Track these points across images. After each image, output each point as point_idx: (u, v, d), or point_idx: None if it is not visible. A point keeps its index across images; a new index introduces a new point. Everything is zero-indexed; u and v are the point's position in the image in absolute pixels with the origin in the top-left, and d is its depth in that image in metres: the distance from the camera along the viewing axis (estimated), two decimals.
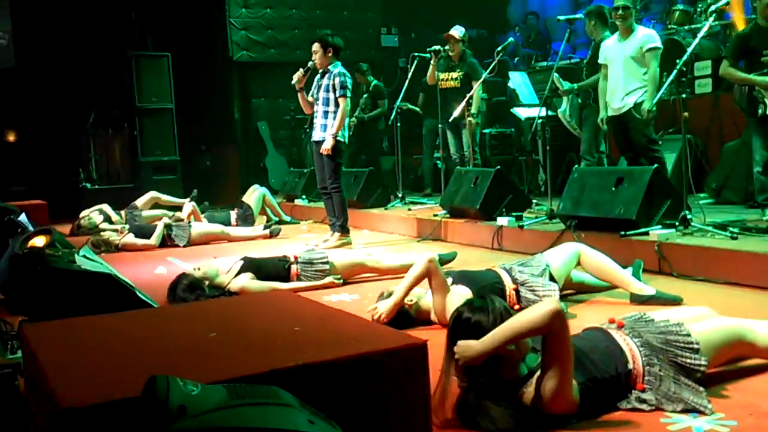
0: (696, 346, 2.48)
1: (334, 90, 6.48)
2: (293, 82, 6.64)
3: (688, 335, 2.51)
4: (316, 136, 6.65)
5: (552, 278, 3.83)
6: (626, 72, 5.93)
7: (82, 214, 8.25)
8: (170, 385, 1.35)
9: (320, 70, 6.61)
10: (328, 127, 6.52)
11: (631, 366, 2.46)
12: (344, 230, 6.74)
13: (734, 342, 2.64)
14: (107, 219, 8.23)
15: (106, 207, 8.48)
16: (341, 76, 6.46)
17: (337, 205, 6.70)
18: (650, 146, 5.91)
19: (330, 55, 6.51)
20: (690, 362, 2.46)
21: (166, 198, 8.98)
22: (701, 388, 2.43)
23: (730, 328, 2.66)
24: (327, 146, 6.48)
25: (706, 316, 2.82)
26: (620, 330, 2.59)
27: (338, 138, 6.51)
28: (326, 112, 6.55)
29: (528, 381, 2.33)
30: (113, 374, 1.73)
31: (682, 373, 2.45)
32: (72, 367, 1.80)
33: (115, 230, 7.56)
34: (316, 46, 6.54)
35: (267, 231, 7.75)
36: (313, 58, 6.57)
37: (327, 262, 4.89)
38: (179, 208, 8.59)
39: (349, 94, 6.51)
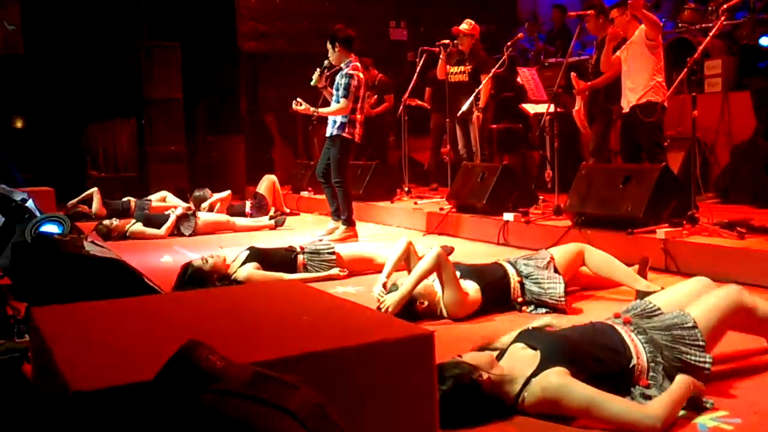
0: (701, 342, 2.49)
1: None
2: (312, 83, 6.70)
3: (694, 327, 2.51)
4: (328, 131, 6.68)
5: (556, 270, 3.83)
6: (628, 70, 5.86)
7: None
8: (199, 351, 1.33)
9: (337, 67, 6.64)
10: (338, 123, 6.53)
11: (635, 362, 2.47)
12: (350, 223, 6.74)
13: (733, 308, 2.63)
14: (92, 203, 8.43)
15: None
16: (347, 78, 6.45)
17: (341, 198, 6.69)
18: (654, 149, 5.85)
19: (339, 50, 6.50)
20: (695, 360, 2.47)
21: (172, 200, 8.94)
22: (703, 386, 2.44)
23: (729, 296, 2.66)
24: (300, 108, 6.62)
25: (704, 290, 2.81)
26: (626, 326, 2.60)
27: (347, 136, 6.52)
28: None
29: (523, 389, 2.37)
30: (122, 358, 1.74)
31: (687, 370, 2.46)
32: (81, 351, 1.80)
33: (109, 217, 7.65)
34: (328, 45, 6.58)
35: (272, 222, 7.76)
36: (328, 56, 6.60)
37: (333, 253, 4.91)
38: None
39: (349, 95, 6.45)
